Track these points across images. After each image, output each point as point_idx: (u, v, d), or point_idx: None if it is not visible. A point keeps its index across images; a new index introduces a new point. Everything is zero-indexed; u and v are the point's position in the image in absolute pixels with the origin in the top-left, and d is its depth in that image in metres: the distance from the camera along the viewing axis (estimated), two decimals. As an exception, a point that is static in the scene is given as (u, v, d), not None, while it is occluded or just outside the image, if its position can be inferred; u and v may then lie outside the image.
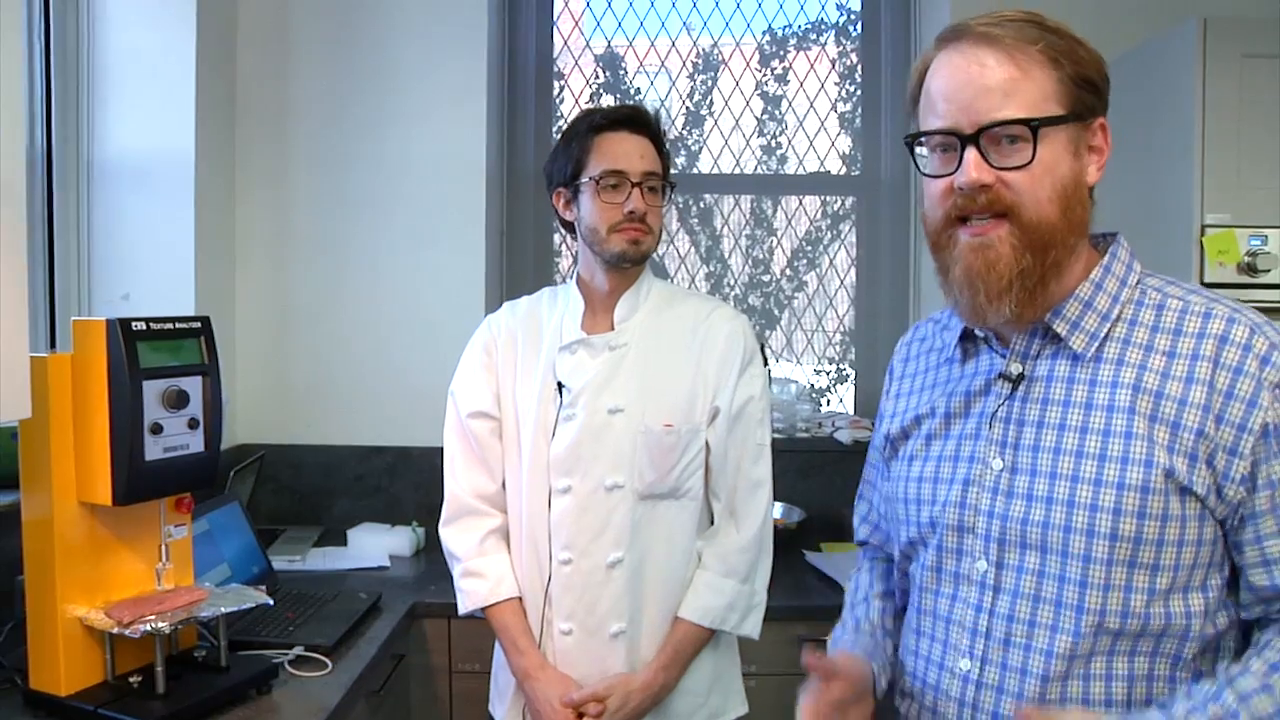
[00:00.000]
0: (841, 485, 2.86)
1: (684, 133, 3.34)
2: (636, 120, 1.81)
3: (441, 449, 1.91)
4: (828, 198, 3.36)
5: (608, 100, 3.33)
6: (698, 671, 1.84)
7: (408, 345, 2.97)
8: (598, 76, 3.34)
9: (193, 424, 1.66)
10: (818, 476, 3.00)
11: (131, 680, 1.63)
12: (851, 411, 3.32)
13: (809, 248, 3.35)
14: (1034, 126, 1.08)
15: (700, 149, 3.35)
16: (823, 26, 3.34)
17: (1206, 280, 2.27)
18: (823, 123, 3.33)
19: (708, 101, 3.34)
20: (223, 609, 1.67)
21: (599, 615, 1.78)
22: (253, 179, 2.96)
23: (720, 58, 3.34)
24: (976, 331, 1.24)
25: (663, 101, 3.33)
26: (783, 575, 1.99)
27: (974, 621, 1.18)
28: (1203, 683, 1.07)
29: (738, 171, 3.35)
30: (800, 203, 3.37)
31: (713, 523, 1.86)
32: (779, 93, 3.34)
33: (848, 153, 3.35)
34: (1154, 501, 1.08)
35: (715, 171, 3.34)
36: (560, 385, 1.81)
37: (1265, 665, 1.05)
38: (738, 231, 3.36)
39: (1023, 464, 1.16)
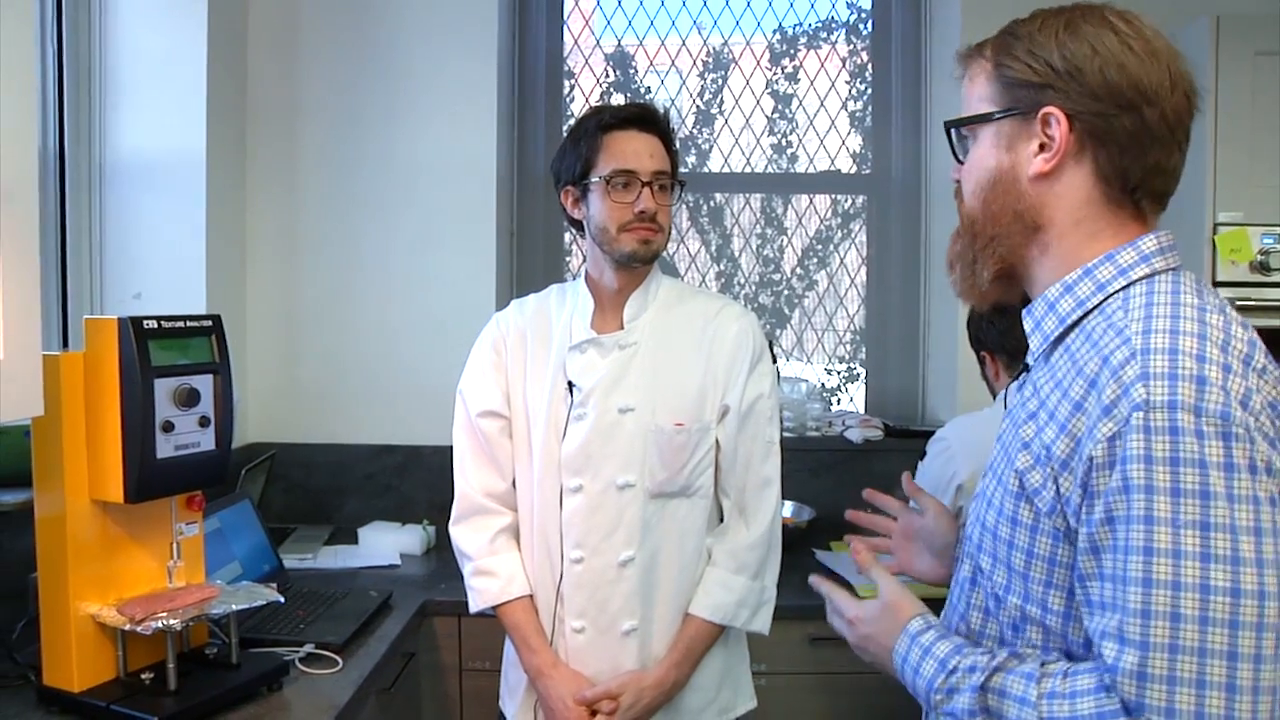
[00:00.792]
0: (852, 484, 2.84)
1: (694, 132, 3.34)
2: (645, 119, 1.81)
3: (452, 447, 1.92)
4: (838, 196, 3.36)
5: (618, 99, 3.33)
6: (708, 668, 1.85)
7: (418, 344, 2.97)
8: (608, 75, 3.35)
9: (204, 422, 1.67)
10: (828, 475, 3.00)
11: (143, 677, 1.64)
12: (862, 410, 3.31)
13: (819, 246, 3.35)
14: (948, 128, 1.19)
15: (710, 148, 3.35)
16: (833, 25, 3.33)
17: (1219, 279, 2.26)
18: (833, 121, 3.33)
19: (718, 100, 3.34)
20: (234, 606, 1.67)
21: (611, 613, 1.79)
22: (263, 179, 2.97)
23: (731, 56, 3.34)
24: None
25: (673, 100, 3.33)
26: (793, 574, 1.99)
27: (950, 602, 1.26)
28: (1031, 663, 1.05)
29: (748, 170, 3.35)
30: (811, 201, 3.36)
31: (722, 520, 1.87)
32: (789, 91, 3.34)
33: (858, 151, 3.34)
34: (1008, 503, 1.09)
35: (726, 170, 3.34)
36: (571, 385, 1.81)
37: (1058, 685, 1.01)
38: (748, 230, 3.36)
39: (994, 454, 1.21)
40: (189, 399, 1.64)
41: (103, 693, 1.61)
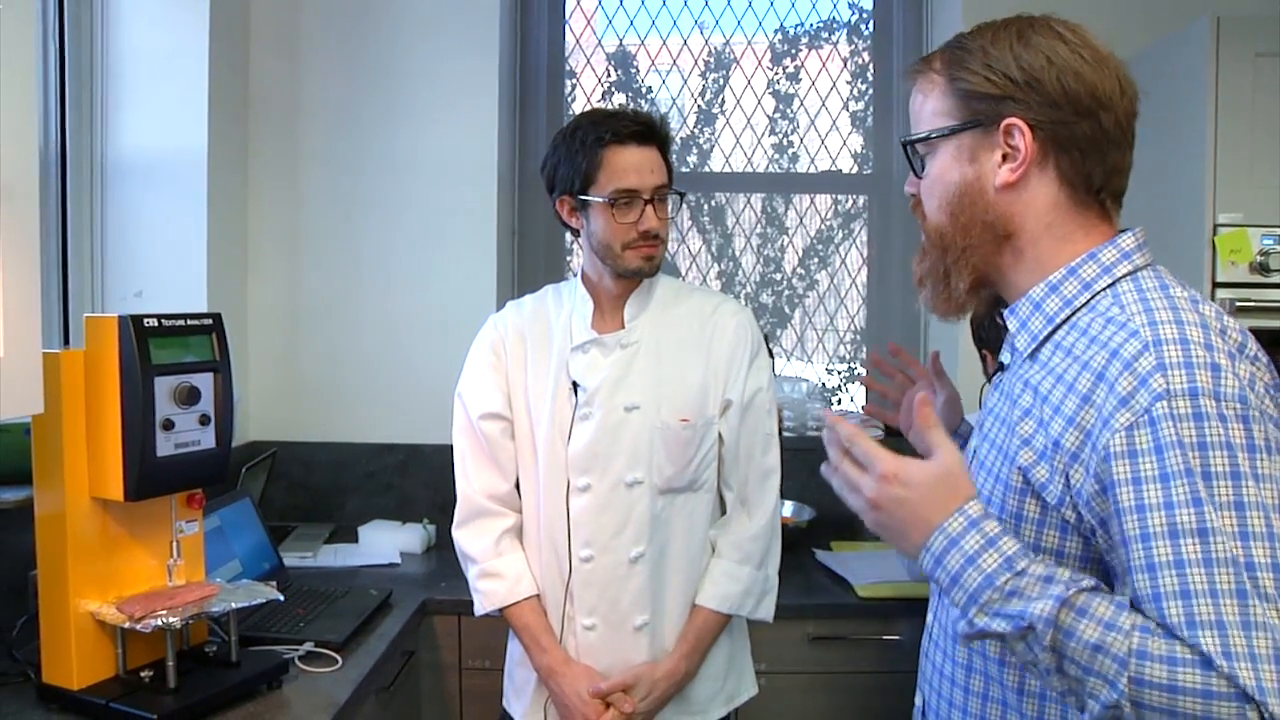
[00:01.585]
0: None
1: (695, 131, 3.34)
2: (645, 134, 1.79)
3: (453, 446, 1.92)
4: (839, 196, 3.35)
5: (619, 99, 3.33)
6: (716, 658, 1.88)
7: (419, 343, 2.97)
8: (609, 75, 3.34)
9: (204, 420, 1.67)
10: (828, 475, 2.99)
11: (143, 675, 1.64)
12: (862, 411, 3.31)
13: (820, 246, 3.35)
14: (904, 144, 1.20)
15: (712, 148, 3.34)
16: (835, 25, 3.33)
17: (1219, 280, 2.25)
18: (834, 121, 3.33)
19: (719, 100, 3.34)
20: (234, 604, 1.67)
21: (622, 609, 1.81)
22: (265, 177, 2.97)
23: (732, 56, 3.34)
24: None
25: (674, 100, 3.33)
26: (793, 574, 2.00)
27: (942, 604, 1.28)
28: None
29: (749, 170, 3.35)
30: (812, 201, 3.36)
31: (724, 511, 1.90)
32: (791, 91, 3.33)
33: (859, 151, 3.34)
34: (1010, 499, 1.10)
35: (727, 170, 3.34)
36: (575, 384, 1.82)
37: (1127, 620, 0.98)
38: (749, 230, 3.36)
39: (980, 450, 1.22)
40: (189, 397, 1.64)
41: (102, 690, 1.61)
